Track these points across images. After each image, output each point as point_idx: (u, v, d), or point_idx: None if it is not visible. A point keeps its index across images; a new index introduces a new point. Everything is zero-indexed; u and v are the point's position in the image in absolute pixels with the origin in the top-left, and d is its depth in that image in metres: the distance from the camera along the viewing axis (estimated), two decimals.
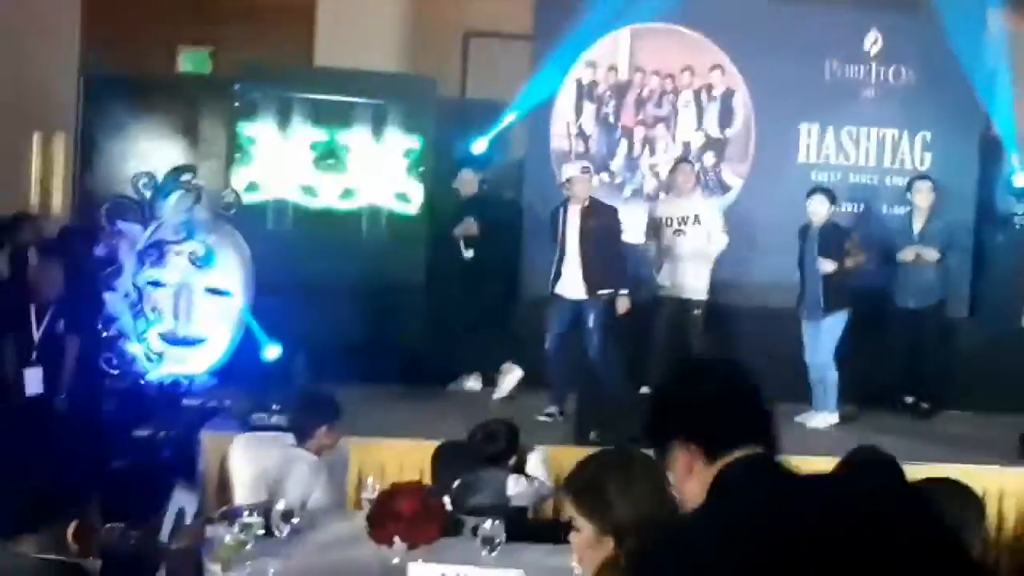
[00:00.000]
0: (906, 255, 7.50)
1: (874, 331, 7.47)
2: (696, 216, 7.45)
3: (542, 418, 6.86)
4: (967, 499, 2.90)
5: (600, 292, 6.95)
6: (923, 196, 7.59)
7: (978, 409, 7.66)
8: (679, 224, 7.44)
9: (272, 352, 6.91)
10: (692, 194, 7.61)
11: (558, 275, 7.02)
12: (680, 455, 1.87)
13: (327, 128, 8.05)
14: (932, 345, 7.65)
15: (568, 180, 7.07)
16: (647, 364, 7.30)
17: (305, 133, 8.03)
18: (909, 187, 7.75)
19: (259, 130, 7.99)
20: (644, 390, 7.03)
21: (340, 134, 8.04)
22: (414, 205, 8.11)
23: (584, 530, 2.42)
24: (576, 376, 7.08)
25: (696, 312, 7.44)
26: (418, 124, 8.11)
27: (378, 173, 8.09)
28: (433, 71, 8.42)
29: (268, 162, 8.00)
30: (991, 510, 6.12)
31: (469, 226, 7.65)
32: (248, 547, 3.39)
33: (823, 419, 7.14)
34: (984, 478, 6.17)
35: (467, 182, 7.79)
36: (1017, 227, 8.38)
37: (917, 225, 7.59)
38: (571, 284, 7.00)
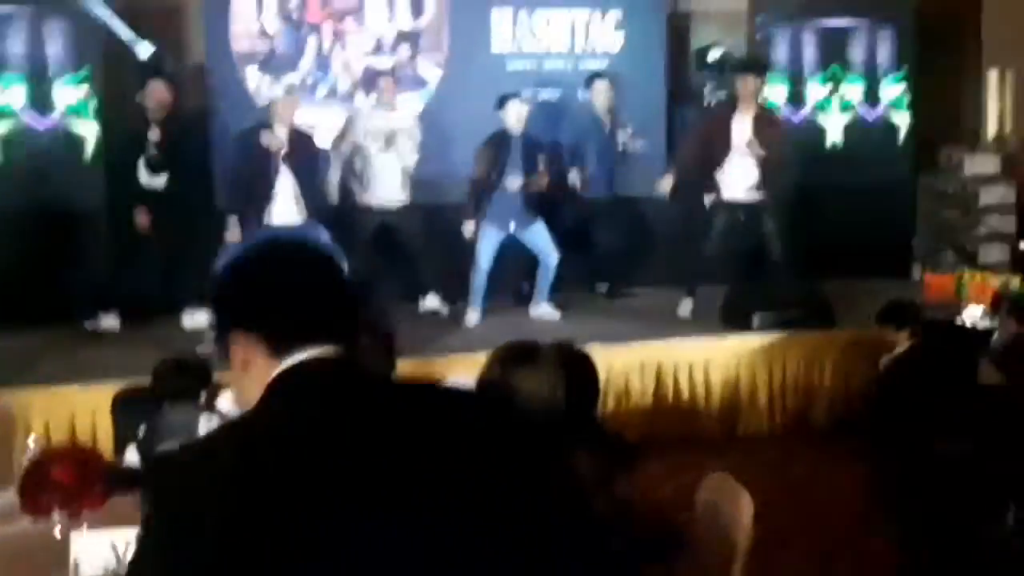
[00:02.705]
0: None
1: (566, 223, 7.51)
2: (401, 130, 7.23)
3: None
4: (584, 366, 2.92)
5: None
6: (601, 96, 7.60)
7: (682, 284, 7.83)
8: (386, 139, 7.17)
9: None
10: (395, 105, 7.35)
11: (269, 202, 6.71)
12: (238, 346, 1.61)
13: None
14: (615, 234, 7.78)
15: (271, 103, 6.82)
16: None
17: None
18: (587, 85, 7.71)
19: None
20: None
21: None
22: (86, 125, 7.29)
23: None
24: None
25: (399, 215, 7.26)
26: (84, 33, 7.19)
27: (41, 91, 7.12)
28: None
29: None
30: (699, 380, 6.34)
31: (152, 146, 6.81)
32: None
33: (549, 311, 7.18)
34: (691, 350, 6.38)
35: (156, 92, 6.86)
36: (706, 102, 8.55)
37: (605, 122, 7.62)
38: (286, 211, 6.75)
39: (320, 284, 1.64)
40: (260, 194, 6.69)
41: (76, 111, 7.21)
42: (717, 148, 7.09)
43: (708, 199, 7.18)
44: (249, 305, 1.62)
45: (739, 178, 7.06)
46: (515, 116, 6.97)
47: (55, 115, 7.18)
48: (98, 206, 7.17)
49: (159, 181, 6.84)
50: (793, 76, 8.66)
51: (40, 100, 7.15)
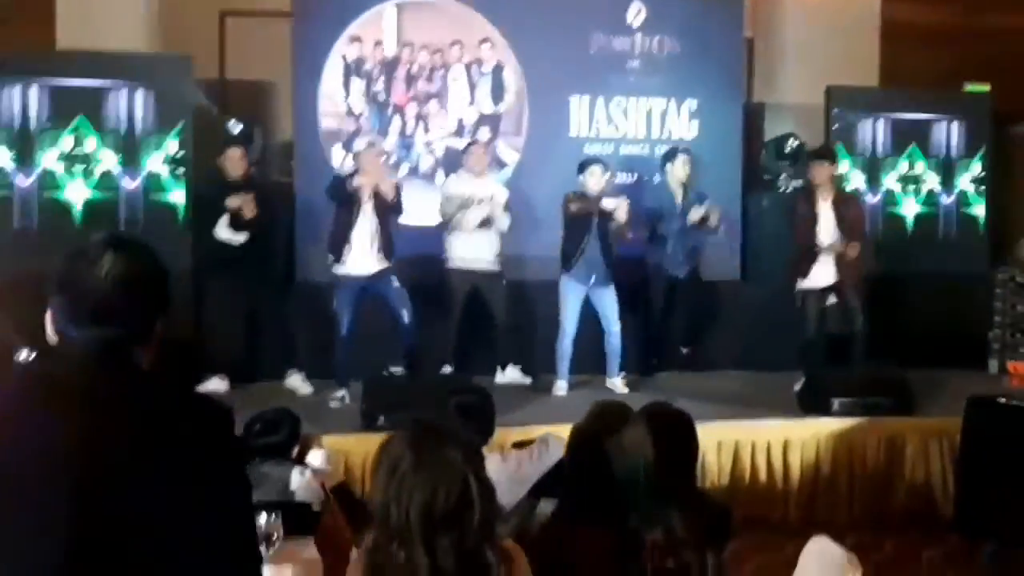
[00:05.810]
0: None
1: (642, 299, 7.56)
2: (492, 196, 7.34)
3: (333, 404, 6.60)
4: (679, 425, 2.95)
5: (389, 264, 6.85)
6: (680, 168, 7.63)
7: (756, 368, 7.84)
8: (476, 204, 7.28)
9: None
10: (485, 174, 7.45)
11: (346, 252, 6.74)
12: (48, 316, 1.86)
13: (74, 114, 7.39)
14: (696, 308, 7.83)
15: (356, 155, 6.94)
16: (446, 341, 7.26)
17: (50, 121, 7.37)
18: (668, 159, 7.74)
19: None
20: (446, 369, 7.08)
21: (90, 119, 7.40)
22: (175, 192, 7.55)
23: None
24: (360, 358, 6.84)
25: (497, 281, 7.36)
26: (174, 106, 7.53)
27: (133, 159, 7.48)
28: (188, 52, 7.84)
29: (10, 153, 7.33)
30: (777, 462, 6.27)
31: (245, 202, 6.88)
32: None
33: (618, 384, 7.16)
34: (770, 432, 6.32)
35: (233, 159, 7.07)
36: (781, 190, 8.62)
37: (678, 198, 7.64)
38: (363, 261, 6.77)
39: (111, 276, 1.81)
40: (340, 241, 6.79)
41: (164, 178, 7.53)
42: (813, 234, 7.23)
43: (801, 284, 7.27)
44: (53, 285, 1.84)
45: (825, 265, 7.21)
46: (595, 181, 7.07)
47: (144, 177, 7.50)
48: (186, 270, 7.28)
49: (239, 239, 6.99)
50: (869, 163, 8.74)
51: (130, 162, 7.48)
